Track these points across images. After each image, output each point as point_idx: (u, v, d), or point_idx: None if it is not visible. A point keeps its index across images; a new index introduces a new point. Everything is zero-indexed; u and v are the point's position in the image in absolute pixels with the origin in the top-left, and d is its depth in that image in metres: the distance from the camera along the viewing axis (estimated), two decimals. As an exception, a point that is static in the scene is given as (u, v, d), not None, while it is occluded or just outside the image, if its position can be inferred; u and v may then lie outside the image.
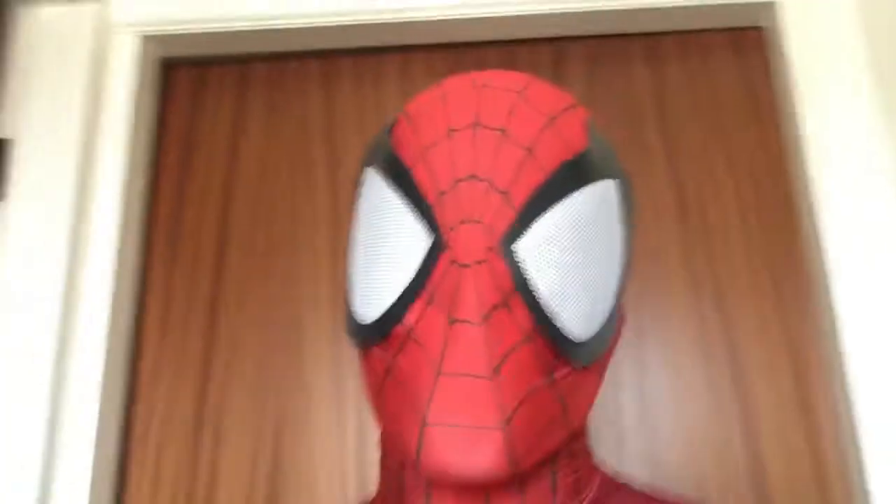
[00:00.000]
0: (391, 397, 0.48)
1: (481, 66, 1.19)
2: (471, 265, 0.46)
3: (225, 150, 1.18)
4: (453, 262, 0.46)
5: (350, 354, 1.06)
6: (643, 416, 1.01)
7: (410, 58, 1.19)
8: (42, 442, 0.95)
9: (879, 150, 0.99)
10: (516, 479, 0.49)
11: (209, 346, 1.08)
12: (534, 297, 0.46)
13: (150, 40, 1.16)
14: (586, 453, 0.55)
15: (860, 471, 0.91)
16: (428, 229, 0.48)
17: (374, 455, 1.02)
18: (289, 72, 1.21)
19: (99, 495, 0.98)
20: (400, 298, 0.48)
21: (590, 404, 0.52)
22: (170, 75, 1.22)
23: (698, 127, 1.13)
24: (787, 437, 0.98)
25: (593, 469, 0.55)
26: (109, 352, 1.01)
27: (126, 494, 1.03)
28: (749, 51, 1.15)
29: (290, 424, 1.04)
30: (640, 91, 1.15)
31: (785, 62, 1.07)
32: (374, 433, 1.03)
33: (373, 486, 1.01)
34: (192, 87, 1.22)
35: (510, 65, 1.18)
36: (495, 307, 0.45)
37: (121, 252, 1.05)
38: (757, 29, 1.16)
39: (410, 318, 0.47)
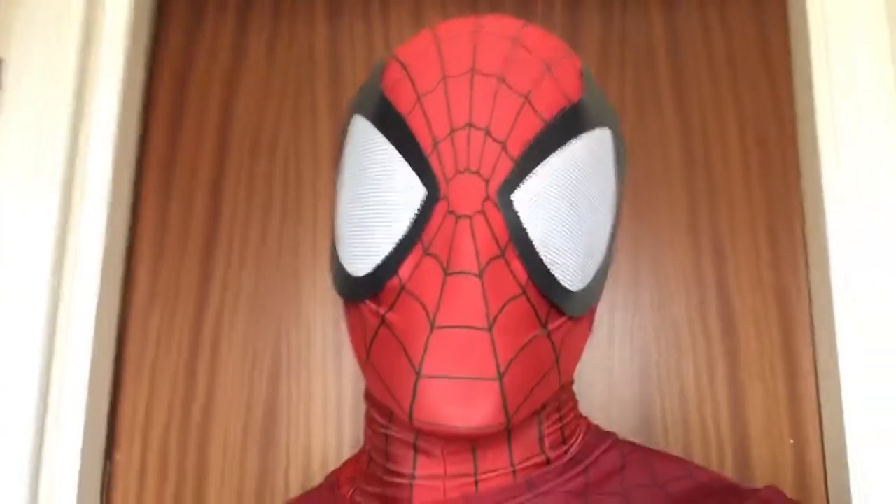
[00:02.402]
0: (383, 351, 0.47)
1: (495, 6, 1.16)
2: (468, 216, 0.45)
3: (223, 79, 1.14)
4: (450, 212, 0.45)
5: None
6: (635, 360, 1.03)
7: (419, -12, 1.16)
8: (37, 369, 0.95)
9: (891, 110, 0.98)
10: (506, 430, 0.49)
11: (204, 279, 1.08)
12: (531, 248, 0.46)
13: (144, -37, 1.11)
14: (572, 402, 0.55)
15: (836, 415, 0.93)
16: (423, 179, 0.46)
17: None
18: None
19: (92, 426, 0.99)
20: (394, 251, 0.47)
21: (580, 354, 0.52)
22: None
23: (710, 79, 1.11)
24: (768, 382, 1.01)
25: (578, 418, 0.56)
26: (103, 281, 1.01)
27: (119, 426, 1.03)
28: (767, 3, 1.13)
29: (287, 362, 1.05)
30: (654, 39, 1.13)
31: (803, 19, 1.04)
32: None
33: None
34: (189, 13, 1.17)
35: (526, 8, 1.16)
36: (492, 259, 0.45)
37: (115, 181, 1.03)
38: (775, -20, 1.14)
39: (405, 270, 0.46)
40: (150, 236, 1.09)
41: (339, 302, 1.06)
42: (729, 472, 0.99)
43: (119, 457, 1.02)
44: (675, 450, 1.00)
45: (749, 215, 1.07)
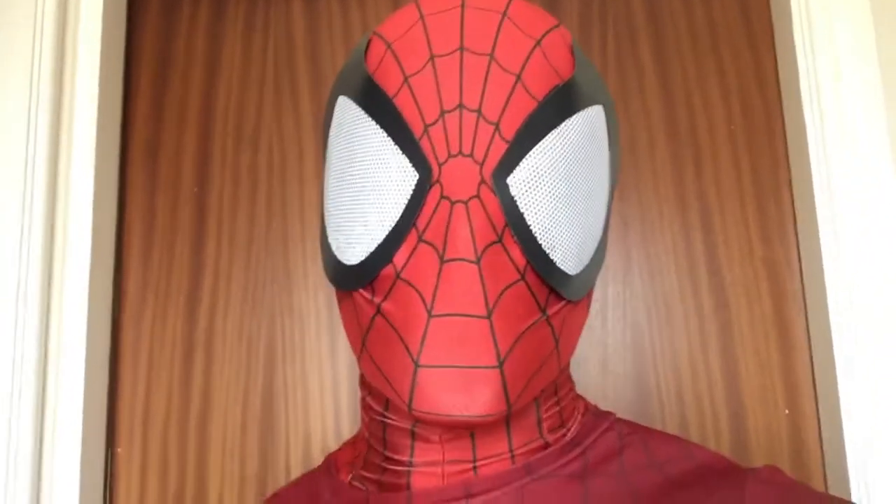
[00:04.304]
0: (379, 341, 0.46)
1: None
2: (463, 201, 0.44)
3: (202, 67, 1.13)
4: (444, 197, 0.44)
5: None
6: (627, 335, 1.04)
7: (397, -28, 1.14)
8: (32, 369, 0.95)
9: (872, 78, 0.98)
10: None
11: (195, 271, 1.07)
12: (529, 232, 0.44)
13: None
14: (569, 385, 0.54)
15: (830, 383, 0.94)
16: (415, 164, 0.44)
17: (367, 379, 1.04)
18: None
19: (91, 423, 0.99)
20: (387, 238, 0.45)
21: (578, 336, 0.52)
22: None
23: (692, 49, 1.11)
24: (762, 353, 1.02)
25: (575, 399, 0.55)
26: (93, 277, 1.00)
27: (118, 420, 1.04)
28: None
29: (282, 349, 1.05)
30: (634, 10, 1.12)
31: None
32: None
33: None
34: (162, 5, 1.15)
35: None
36: (490, 244, 0.43)
37: (98, 178, 1.02)
38: (755, -54, 1.12)
39: (399, 258, 0.45)
40: (139, 231, 1.09)
41: (331, 286, 1.06)
42: (726, 444, 1.00)
43: (120, 450, 1.03)
44: (672, 423, 1.01)
45: (736, 186, 1.07)
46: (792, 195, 1.06)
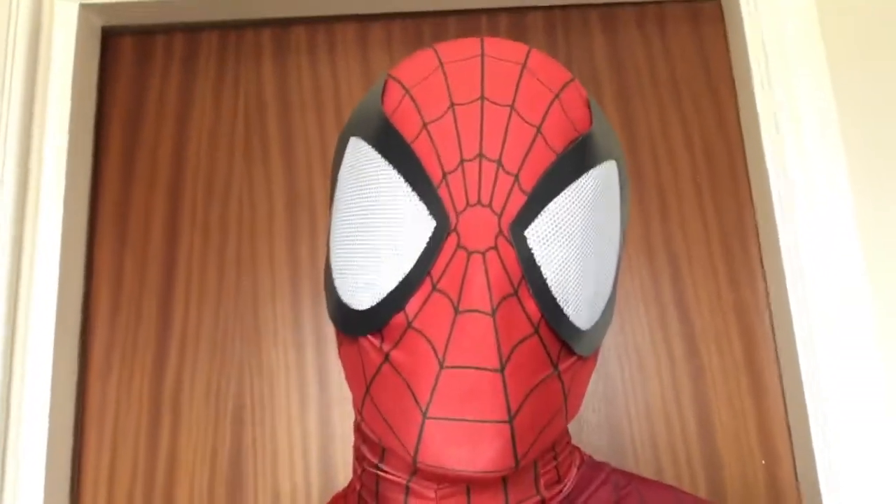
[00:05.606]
0: (386, 390, 0.45)
1: (440, 35, 1.16)
2: (480, 252, 0.43)
3: (173, 123, 1.13)
4: (461, 247, 0.43)
5: (312, 338, 1.05)
6: (600, 384, 1.03)
7: (367, 26, 1.16)
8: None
9: (831, 124, 1.01)
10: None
11: (162, 330, 1.05)
12: (545, 285, 0.44)
13: (89, 9, 1.09)
14: (566, 438, 0.54)
15: (804, 428, 0.94)
16: (432, 211, 0.44)
17: (338, 438, 1.02)
18: (240, 41, 1.17)
19: (53, 489, 0.94)
20: (400, 286, 0.44)
21: (584, 393, 0.51)
22: (111, 45, 1.16)
23: (654, 97, 1.13)
24: (734, 400, 1.02)
25: (572, 453, 0.55)
26: (58, 340, 0.97)
27: (82, 486, 1.00)
28: (706, 22, 1.16)
29: (251, 407, 1.03)
30: (598, 61, 1.15)
31: (740, 35, 1.07)
32: (337, 417, 1.02)
33: (336, 470, 1.01)
34: (136, 57, 1.16)
35: (470, 34, 1.16)
36: (505, 297, 0.43)
37: (66, 235, 1.00)
38: (713, 0, 1.16)
39: (412, 306, 0.44)
40: (106, 289, 1.07)
41: (301, 345, 1.05)
42: (702, 493, 0.99)
43: (81, 518, 1.00)
44: (647, 472, 1.00)
45: (703, 233, 1.08)
46: (758, 238, 1.07)
